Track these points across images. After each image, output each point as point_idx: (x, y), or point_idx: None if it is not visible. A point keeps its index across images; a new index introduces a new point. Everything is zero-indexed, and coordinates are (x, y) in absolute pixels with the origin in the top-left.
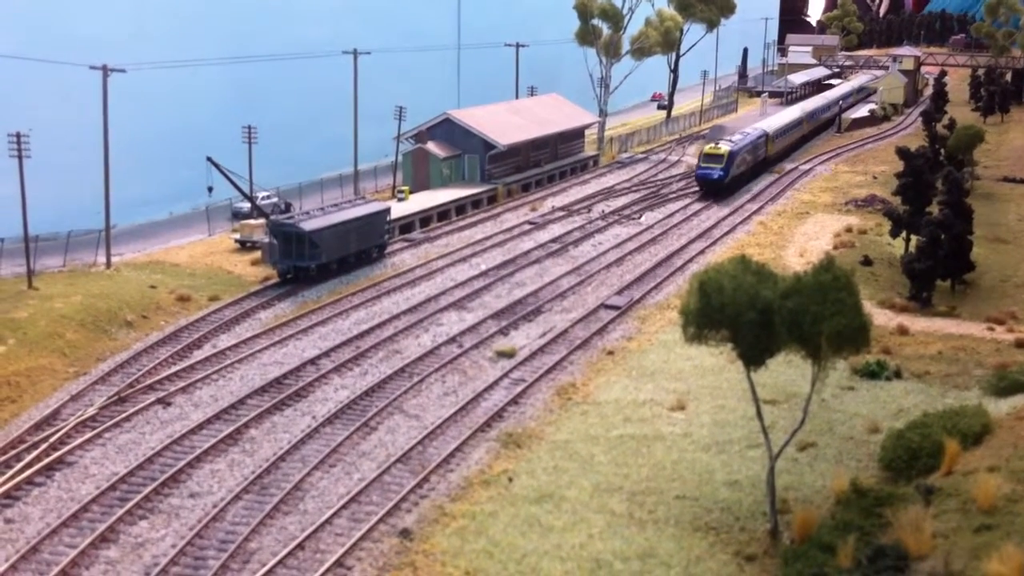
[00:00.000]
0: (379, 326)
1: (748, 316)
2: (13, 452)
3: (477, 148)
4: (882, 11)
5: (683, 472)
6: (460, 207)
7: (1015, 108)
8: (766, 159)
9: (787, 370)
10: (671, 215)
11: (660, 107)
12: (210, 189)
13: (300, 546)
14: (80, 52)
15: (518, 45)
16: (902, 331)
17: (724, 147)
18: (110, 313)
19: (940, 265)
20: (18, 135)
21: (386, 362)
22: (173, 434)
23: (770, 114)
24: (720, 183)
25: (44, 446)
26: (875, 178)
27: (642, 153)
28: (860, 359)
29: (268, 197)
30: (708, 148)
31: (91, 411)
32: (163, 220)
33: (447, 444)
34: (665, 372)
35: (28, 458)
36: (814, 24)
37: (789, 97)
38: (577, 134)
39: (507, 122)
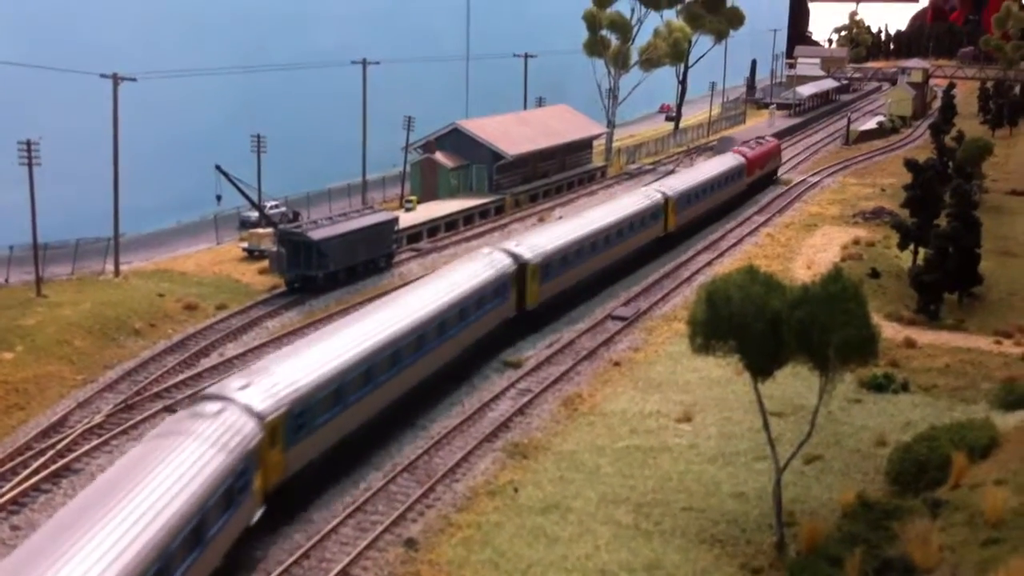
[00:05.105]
0: None
1: (756, 326)
2: (20, 459)
3: (485, 158)
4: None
5: (689, 484)
6: (468, 217)
7: None
8: None
9: (794, 382)
10: None
11: (668, 118)
12: (219, 198)
13: (305, 555)
14: (91, 61)
15: (527, 56)
16: (909, 344)
17: None
18: (118, 321)
19: (948, 278)
20: (28, 143)
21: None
22: None
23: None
24: None
25: (51, 453)
26: (883, 190)
27: (650, 164)
28: (867, 372)
29: (276, 206)
30: None
31: (98, 418)
32: (171, 229)
33: (453, 454)
34: (672, 383)
35: (35, 465)
36: (822, 42)
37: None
38: (585, 145)
39: (515, 133)
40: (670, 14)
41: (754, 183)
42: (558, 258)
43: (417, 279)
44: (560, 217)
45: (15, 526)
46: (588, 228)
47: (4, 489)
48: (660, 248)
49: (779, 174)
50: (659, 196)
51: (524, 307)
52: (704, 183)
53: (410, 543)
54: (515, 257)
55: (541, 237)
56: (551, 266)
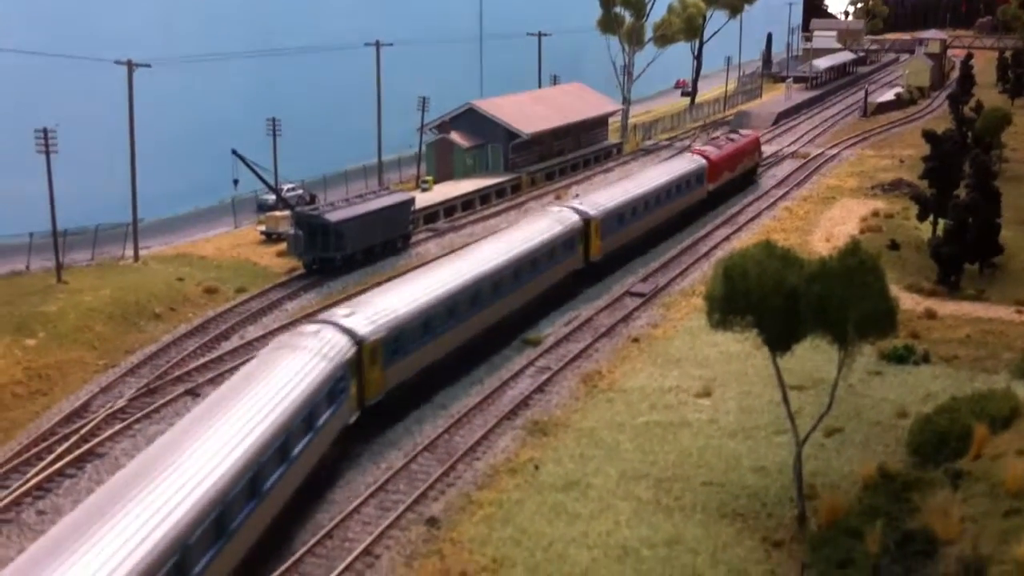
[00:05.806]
0: None
1: (773, 301)
2: (44, 444)
3: (500, 137)
4: None
5: (709, 459)
6: (484, 196)
7: None
8: None
9: (813, 355)
10: None
11: (684, 94)
12: (236, 182)
13: (328, 535)
14: (107, 48)
15: (540, 34)
16: (930, 315)
17: None
18: (139, 306)
19: (968, 249)
20: (45, 131)
21: None
22: None
23: None
24: None
25: (75, 438)
26: (902, 162)
27: (666, 140)
28: (887, 344)
29: (293, 189)
30: None
31: (121, 403)
32: (189, 213)
33: (473, 432)
34: (690, 359)
35: (59, 450)
36: (838, 15)
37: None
38: (600, 122)
39: (530, 111)
40: None
41: (720, 189)
42: (414, 325)
43: (215, 393)
44: (576, 195)
45: (41, 511)
46: (459, 280)
47: (30, 475)
48: (580, 283)
49: (799, 149)
50: (576, 219)
51: (364, 402)
52: (643, 196)
53: (432, 521)
54: (350, 334)
55: (389, 297)
56: (402, 339)
